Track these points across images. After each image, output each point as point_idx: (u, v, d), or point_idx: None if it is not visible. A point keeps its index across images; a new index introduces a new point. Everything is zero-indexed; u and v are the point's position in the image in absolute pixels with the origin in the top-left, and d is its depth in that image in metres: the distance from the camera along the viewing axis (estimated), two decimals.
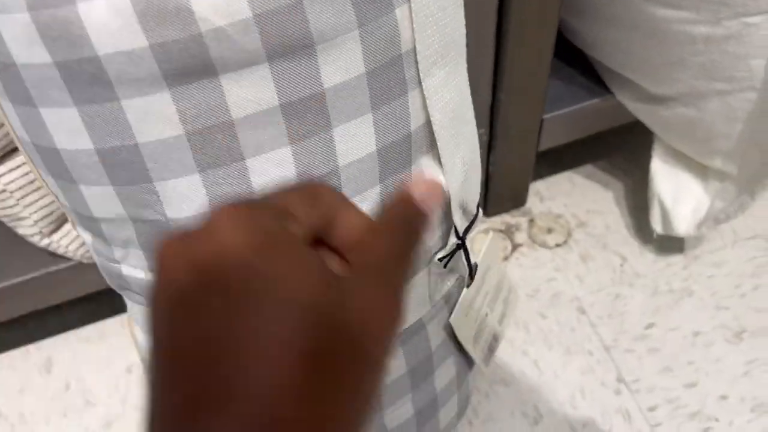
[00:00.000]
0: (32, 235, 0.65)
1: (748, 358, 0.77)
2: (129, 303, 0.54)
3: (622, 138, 0.96)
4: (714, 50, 0.65)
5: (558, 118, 0.77)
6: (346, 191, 0.44)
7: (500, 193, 0.85)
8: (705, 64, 0.66)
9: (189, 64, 0.34)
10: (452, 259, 0.55)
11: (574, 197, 0.92)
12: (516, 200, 0.89)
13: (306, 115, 0.40)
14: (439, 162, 0.47)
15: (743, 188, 0.74)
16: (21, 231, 0.65)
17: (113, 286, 0.51)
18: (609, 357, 0.78)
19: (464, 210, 0.51)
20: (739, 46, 0.63)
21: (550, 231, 0.88)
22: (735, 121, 0.70)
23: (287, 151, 0.40)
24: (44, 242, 0.66)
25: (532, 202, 0.91)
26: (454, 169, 0.46)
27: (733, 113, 0.69)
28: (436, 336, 0.56)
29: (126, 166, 0.39)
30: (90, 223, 0.46)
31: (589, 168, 0.94)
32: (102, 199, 0.43)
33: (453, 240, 0.52)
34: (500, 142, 0.76)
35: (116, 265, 0.49)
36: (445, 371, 0.59)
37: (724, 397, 0.75)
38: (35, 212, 0.62)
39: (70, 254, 0.68)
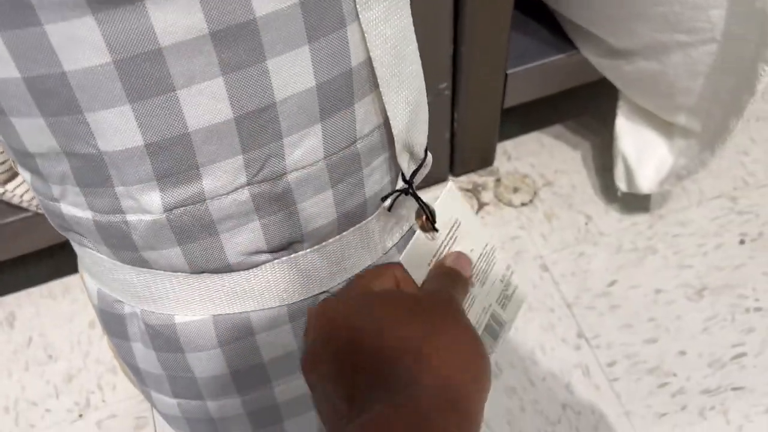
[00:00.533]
0: None
1: (708, 315, 0.77)
2: (73, 244, 0.53)
3: (590, 97, 0.95)
4: (674, 1, 0.64)
5: (522, 73, 0.76)
6: (285, 128, 0.43)
7: (467, 152, 0.85)
8: (666, 15, 0.66)
9: None
10: (403, 206, 0.54)
11: (541, 157, 0.91)
12: (483, 160, 0.89)
13: (237, 44, 0.39)
14: (382, 102, 0.47)
15: (705, 145, 0.74)
16: None
17: (56, 228, 0.51)
18: (570, 314, 0.78)
19: (411, 153, 0.51)
20: None
21: (516, 190, 0.88)
22: (697, 75, 0.69)
23: (220, 82, 0.39)
24: None
25: (500, 161, 0.91)
26: (398, 109, 0.45)
27: (694, 66, 0.68)
28: None
29: (54, 95, 0.38)
30: (26, 159, 0.45)
31: (557, 128, 0.94)
32: (34, 131, 0.42)
33: (401, 186, 0.52)
34: (464, 97, 0.76)
35: (55, 203, 0.48)
36: None
37: (682, 353, 0.75)
38: None
39: (25, 204, 0.67)
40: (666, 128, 0.79)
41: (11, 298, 0.83)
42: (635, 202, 0.86)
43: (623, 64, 0.73)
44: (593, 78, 0.80)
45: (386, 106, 0.45)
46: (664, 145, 0.78)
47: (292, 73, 0.41)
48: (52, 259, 0.83)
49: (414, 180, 0.55)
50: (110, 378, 0.76)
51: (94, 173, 0.42)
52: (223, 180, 0.42)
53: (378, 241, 0.54)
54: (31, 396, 0.75)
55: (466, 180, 0.89)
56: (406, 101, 0.47)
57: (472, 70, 0.73)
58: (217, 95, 0.40)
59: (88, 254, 0.51)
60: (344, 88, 0.44)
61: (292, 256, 0.49)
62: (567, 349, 0.76)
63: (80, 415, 0.74)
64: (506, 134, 0.92)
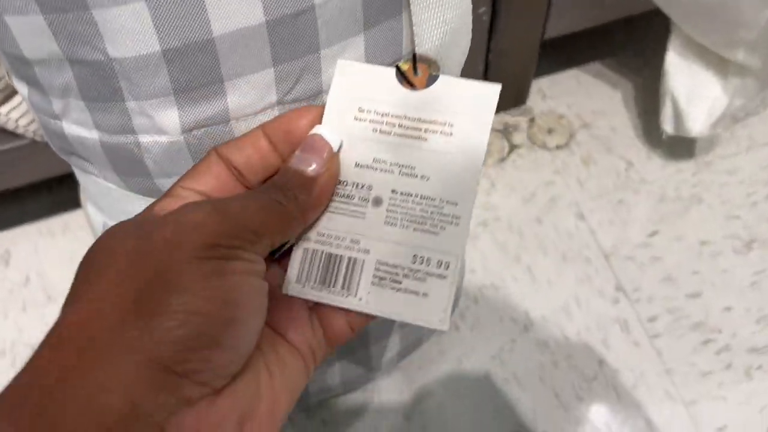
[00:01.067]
0: None
1: (757, 269, 0.72)
2: (76, 171, 0.47)
3: (631, 33, 0.88)
4: None
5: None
6: (323, 37, 0.37)
7: (501, 90, 0.78)
8: None
9: None
10: None
11: (578, 96, 0.85)
12: (516, 98, 0.82)
13: None
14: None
15: (766, 83, 0.68)
16: None
17: (56, 151, 0.45)
18: (608, 265, 0.73)
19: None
20: None
21: (550, 131, 0.82)
22: (764, 6, 0.63)
23: None
24: None
25: (534, 100, 0.84)
26: (428, 27, 0.38)
27: None
28: None
29: None
30: (23, 68, 0.39)
31: (595, 65, 0.87)
32: (31, 32, 0.36)
33: None
34: (503, 24, 0.69)
35: (57, 122, 0.42)
36: None
37: (728, 309, 0.70)
38: None
39: (21, 130, 0.61)
40: (721, 66, 0.72)
41: (6, 235, 0.77)
42: (679, 148, 0.79)
43: None
44: (644, 9, 0.73)
45: (414, 22, 0.38)
46: (717, 84, 0.72)
47: None
48: (51, 193, 0.77)
49: None
50: None
51: (101, 85, 0.36)
52: (250, 97, 0.36)
53: None
54: (30, 339, 0.70)
55: (497, 120, 0.83)
56: (444, 20, 0.40)
57: None
58: None
59: (93, 182, 0.46)
60: None
61: None
62: (604, 303, 0.71)
63: None
64: (541, 71, 0.85)
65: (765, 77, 0.67)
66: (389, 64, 0.40)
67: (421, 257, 0.30)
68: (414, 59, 0.35)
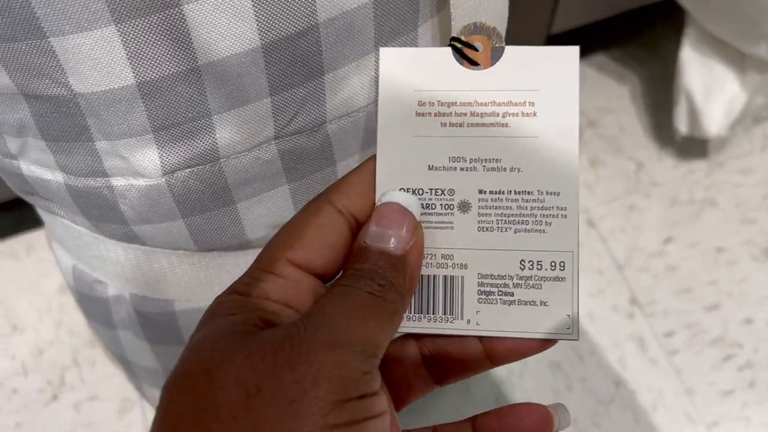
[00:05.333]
0: None
1: None
2: (41, 212, 0.41)
3: (637, 22, 0.83)
4: None
5: None
6: (327, 60, 0.32)
7: None
8: None
9: None
10: None
11: (583, 92, 0.80)
12: None
13: None
14: (445, 30, 0.35)
15: None
16: None
17: (16, 191, 0.39)
18: (621, 276, 0.68)
19: None
20: None
21: None
22: None
23: None
24: None
25: None
26: None
27: None
28: None
29: (4, 12, 0.27)
30: None
31: (600, 58, 0.82)
32: None
33: None
34: (509, 18, 0.63)
35: (13, 161, 0.36)
36: None
37: (748, 321, 0.66)
38: None
39: None
40: (738, 61, 0.67)
41: None
42: (691, 147, 0.75)
43: None
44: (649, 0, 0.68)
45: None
46: (735, 81, 0.67)
47: None
48: (13, 212, 0.70)
49: None
50: (88, 352, 0.64)
51: (65, 122, 0.32)
52: (243, 132, 0.31)
53: None
54: None
55: None
56: None
57: None
58: (240, 12, 0.28)
59: (60, 224, 0.40)
60: (409, 3, 0.33)
61: None
62: (618, 318, 0.66)
63: (54, 396, 0.63)
64: None
65: None
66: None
67: (530, 261, 0.25)
68: (470, 31, 0.29)
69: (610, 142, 0.76)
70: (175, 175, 0.32)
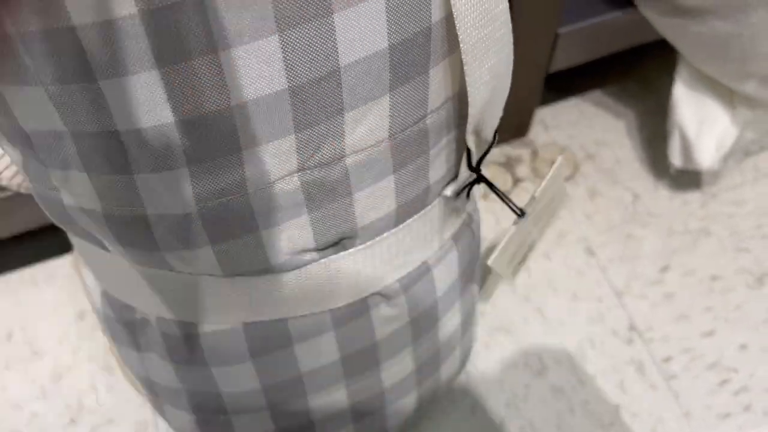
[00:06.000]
0: None
1: None
2: (74, 239, 0.44)
3: (633, 61, 0.86)
4: None
5: (575, 33, 0.67)
6: (348, 100, 0.35)
7: (503, 120, 0.76)
8: None
9: None
10: (462, 195, 0.46)
11: (581, 127, 0.83)
12: (518, 130, 0.80)
13: None
14: (461, 70, 0.38)
15: None
16: None
17: (54, 220, 0.42)
18: (620, 303, 0.71)
19: (478, 135, 0.42)
20: None
21: (554, 164, 0.79)
22: None
23: (275, 41, 0.31)
24: None
25: (536, 131, 0.82)
26: (480, 81, 0.37)
27: None
28: (442, 281, 0.48)
29: (50, 58, 0.30)
30: (17, 136, 0.36)
31: (597, 94, 0.85)
32: (30, 104, 0.33)
33: (464, 171, 0.44)
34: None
35: (55, 193, 0.39)
36: (450, 320, 0.51)
37: (743, 347, 0.68)
38: None
39: (4, 183, 0.57)
40: (728, 98, 0.70)
41: None
42: (685, 179, 0.78)
43: (690, 24, 0.65)
44: (649, 39, 0.72)
45: (467, 77, 0.36)
46: (726, 115, 0.70)
47: (362, 30, 0.32)
48: (34, 240, 0.73)
49: (480, 166, 0.46)
50: (105, 377, 0.66)
51: (107, 157, 0.33)
52: (269, 165, 0.35)
53: (437, 231, 0.46)
54: (14, 398, 0.66)
55: (498, 152, 0.81)
56: (491, 72, 0.38)
57: (521, 28, 0.64)
58: (270, 56, 0.31)
59: (92, 251, 0.43)
60: (421, 49, 0.36)
61: (342, 254, 0.41)
62: (618, 344, 0.68)
63: (72, 420, 0.65)
64: (542, 100, 0.83)
65: None
66: (414, 122, 0.37)
67: None
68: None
69: (607, 174, 0.79)
70: (206, 204, 0.35)
